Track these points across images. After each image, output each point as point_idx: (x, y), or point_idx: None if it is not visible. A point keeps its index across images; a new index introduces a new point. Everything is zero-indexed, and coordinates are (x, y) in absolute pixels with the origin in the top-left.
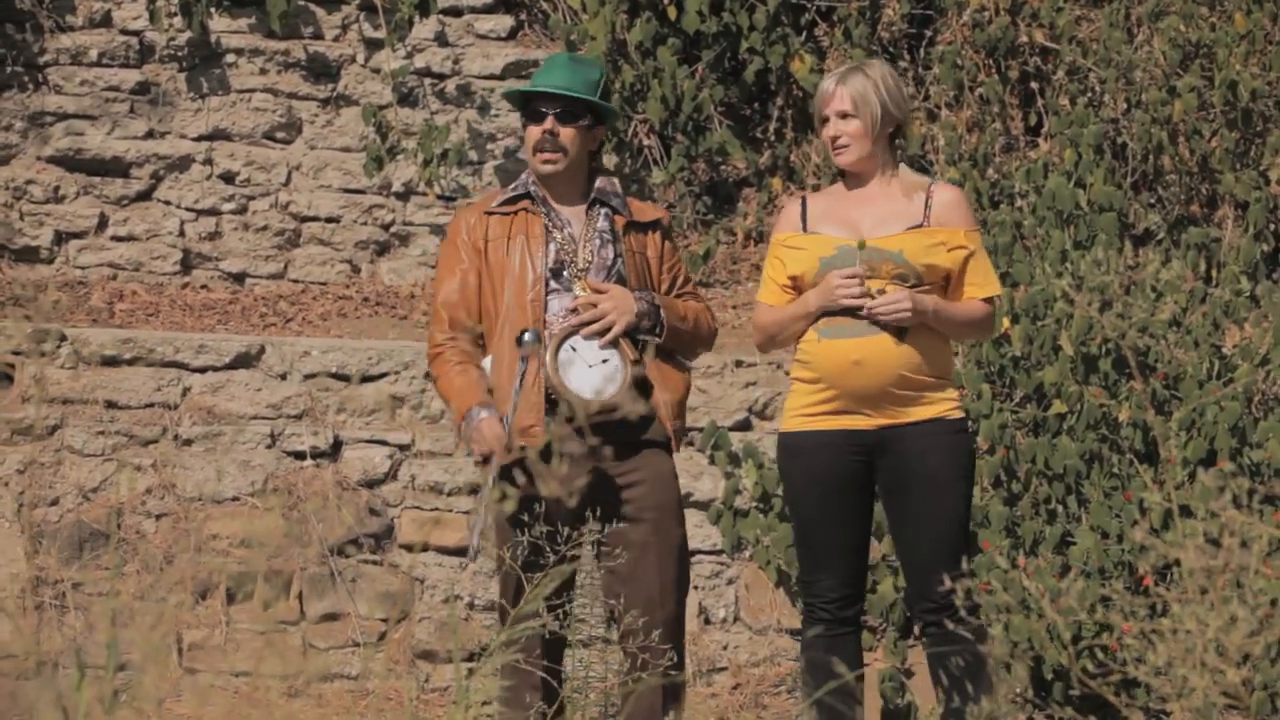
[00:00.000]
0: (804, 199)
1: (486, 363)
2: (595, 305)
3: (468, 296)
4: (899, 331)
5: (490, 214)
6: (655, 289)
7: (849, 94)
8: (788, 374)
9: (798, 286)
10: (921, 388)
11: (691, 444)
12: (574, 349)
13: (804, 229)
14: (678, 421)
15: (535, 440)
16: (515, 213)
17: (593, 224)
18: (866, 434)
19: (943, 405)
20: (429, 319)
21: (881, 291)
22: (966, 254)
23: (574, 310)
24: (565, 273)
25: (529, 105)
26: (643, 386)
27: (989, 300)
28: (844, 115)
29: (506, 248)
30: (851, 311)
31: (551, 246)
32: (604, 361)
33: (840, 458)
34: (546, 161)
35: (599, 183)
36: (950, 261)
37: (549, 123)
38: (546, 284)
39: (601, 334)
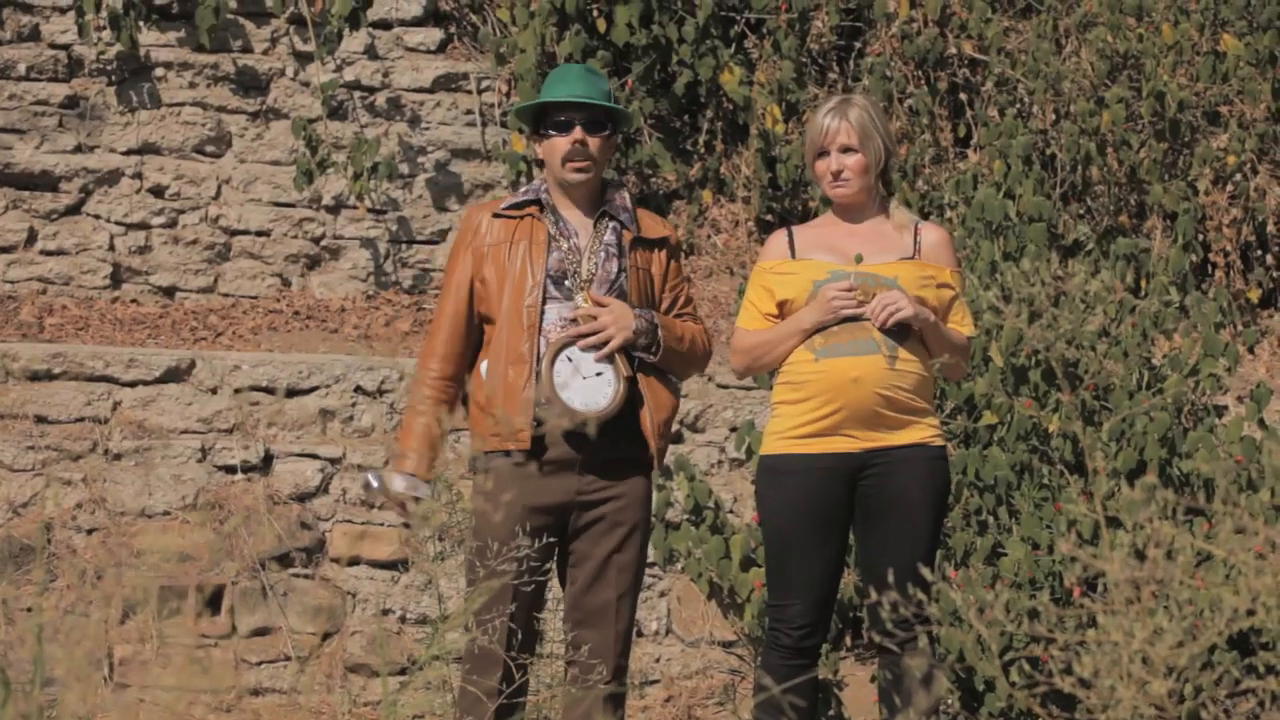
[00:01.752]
0: (789, 229)
1: (484, 367)
2: (595, 317)
3: (459, 312)
4: (900, 336)
5: (497, 216)
6: (656, 307)
7: (854, 128)
8: (720, 387)
9: (784, 313)
10: (909, 412)
11: None
12: (570, 359)
13: (793, 257)
14: (662, 441)
15: (523, 443)
16: (522, 217)
17: (600, 237)
18: (851, 456)
19: (926, 431)
20: (432, 320)
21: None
22: (952, 294)
23: (573, 320)
24: (568, 282)
25: (549, 116)
26: (632, 403)
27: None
28: (846, 149)
29: (509, 252)
30: (848, 326)
31: (554, 254)
32: (598, 375)
33: (823, 482)
34: (579, 170)
35: (610, 195)
36: (935, 299)
37: (578, 132)
38: (545, 290)
39: (598, 347)
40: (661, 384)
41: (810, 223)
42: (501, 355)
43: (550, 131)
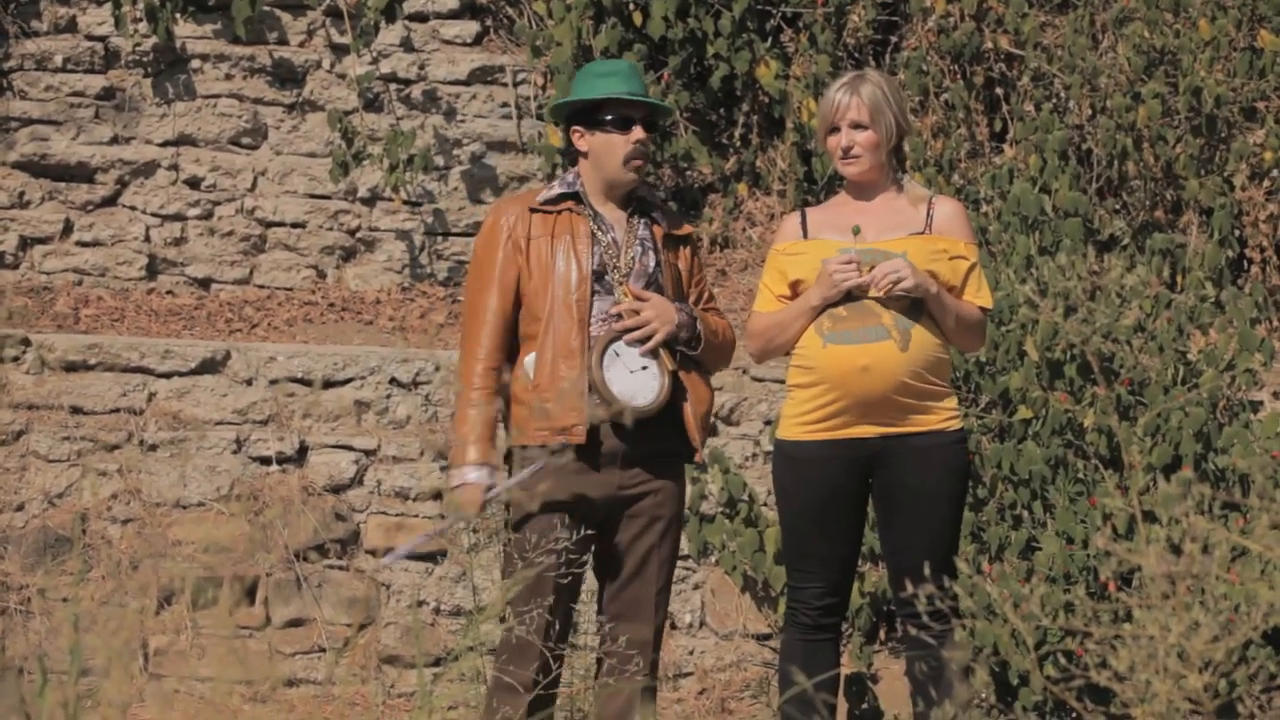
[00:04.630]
0: (803, 210)
1: (529, 360)
2: (638, 312)
3: (506, 304)
4: (914, 314)
5: (534, 211)
6: (685, 302)
7: (865, 104)
8: (754, 380)
9: (798, 293)
10: (924, 396)
11: None
12: (617, 353)
13: (805, 238)
14: (703, 435)
15: (576, 438)
16: (559, 212)
17: (634, 231)
18: (868, 443)
19: (942, 414)
20: (465, 318)
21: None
22: (967, 265)
23: (617, 316)
24: (608, 276)
25: (601, 111)
26: (676, 396)
27: (983, 310)
28: (857, 125)
29: (550, 247)
30: (856, 311)
31: (596, 249)
32: (643, 369)
33: (840, 470)
34: (640, 169)
35: (641, 191)
36: (950, 271)
37: (640, 132)
38: (591, 285)
39: (643, 341)
40: (699, 378)
41: (825, 203)
42: (550, 350)
43: (609, 129)
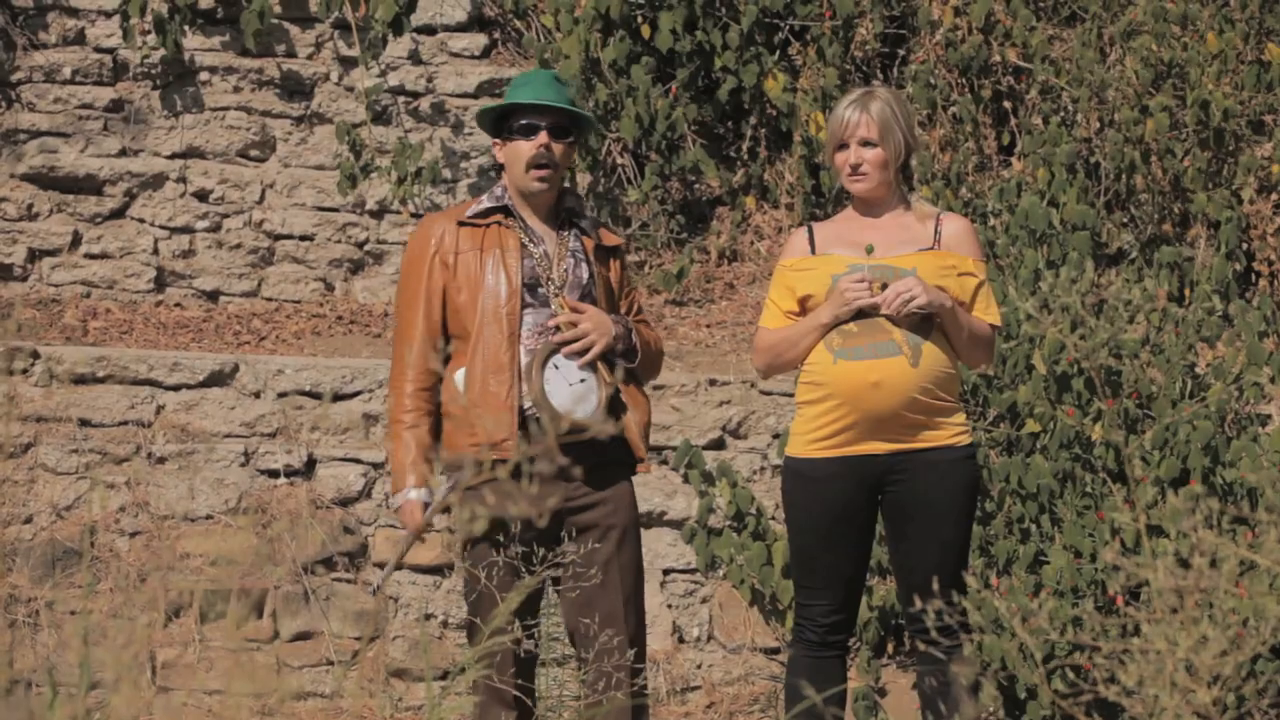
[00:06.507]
0: (810, 226)
1: (459, 376)
2: (575, 325)
3: (433, 322)
4: (924, 330)
5: (462, 225)
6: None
7: (874, 121)
8: (762, 393)
9: (806, 309)
10: (934, 412)
11: (665, 462)
12: (556, 366)
13: (813, 253)
14: (645, 444)
15: (507, 454)
16: (488, 225)
17: (565, 244)
18: (878, 459)
19: (951, 430)
20: (395, 337)
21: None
22: (976, 282)
23: (556, 328)
24: (541, 289)
25: (512, 120)
26: (614, 409)
27: (992, 327)
28: (866, 143)
29: (479, 261)
30: (867, 327)
31: (527, 262)
32: (581, 381)
33: (850, 487)
34: (541, 179)
35: (570, 203)
36: (959, 287)
37: (543, 137)
38: (522, 298)
39: (581, 354)
40: (636, 389)
41: (831, 219)
42: (479, 364)
43: (515, 136)
